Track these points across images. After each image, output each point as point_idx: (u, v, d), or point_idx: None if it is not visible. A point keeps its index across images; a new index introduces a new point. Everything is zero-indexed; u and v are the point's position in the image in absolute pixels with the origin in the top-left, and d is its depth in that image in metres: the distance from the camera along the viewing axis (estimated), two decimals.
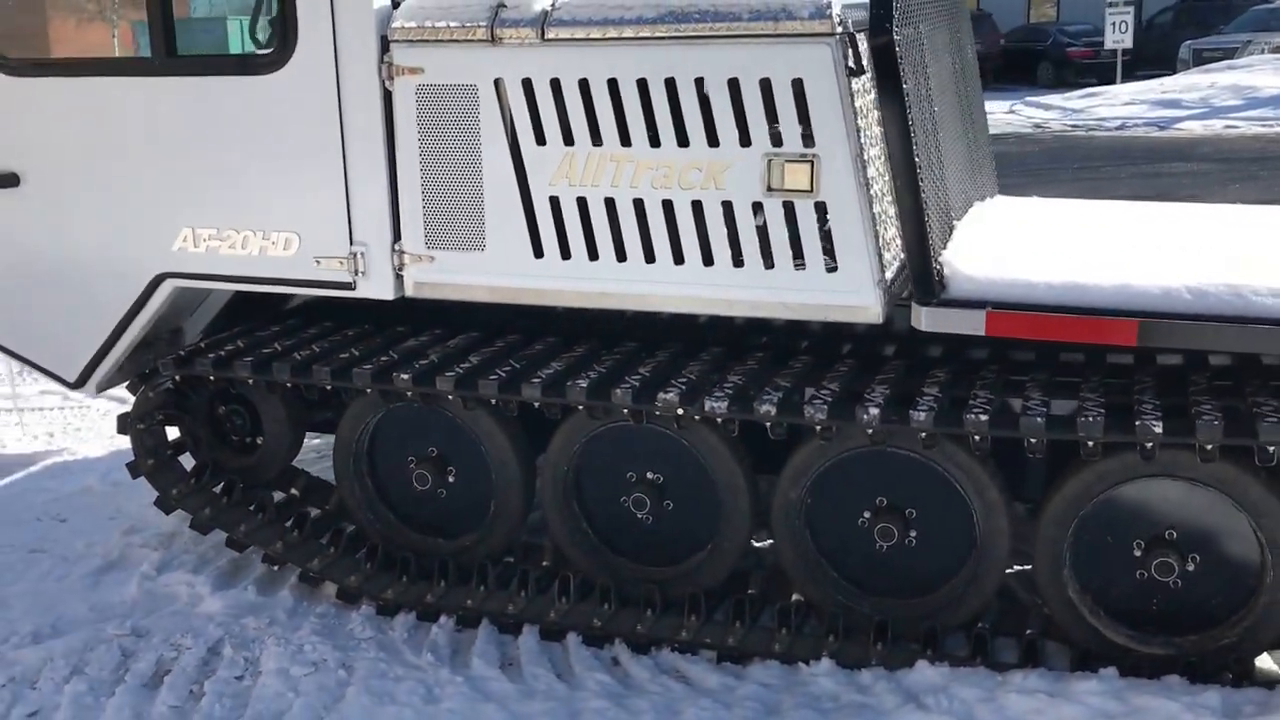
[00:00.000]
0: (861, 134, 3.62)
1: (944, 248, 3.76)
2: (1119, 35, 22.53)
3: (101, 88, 4.32)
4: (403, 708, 3.77)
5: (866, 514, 4.01)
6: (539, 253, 3.96)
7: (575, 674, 3.99)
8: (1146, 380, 3.81)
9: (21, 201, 4.50)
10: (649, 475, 4.22)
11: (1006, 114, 21.50)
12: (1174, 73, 23.37)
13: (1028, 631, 3.98)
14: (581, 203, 3.88)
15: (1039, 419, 3.54)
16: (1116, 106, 20.47)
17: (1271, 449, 3.41)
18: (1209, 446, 3.45)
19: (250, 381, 4.43)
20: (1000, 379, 3.94)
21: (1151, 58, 26.46)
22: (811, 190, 3.62)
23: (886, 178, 3.72)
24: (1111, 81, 23.30)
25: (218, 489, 4.70)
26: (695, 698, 3.80)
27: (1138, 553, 3.77)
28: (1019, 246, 3.94)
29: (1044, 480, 3.93)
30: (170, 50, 4.21)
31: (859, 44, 3.57)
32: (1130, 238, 4.22)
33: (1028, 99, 23.11)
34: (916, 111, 3.65)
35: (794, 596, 4.18)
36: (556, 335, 4.48)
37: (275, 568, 4.64)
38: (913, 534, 3.98)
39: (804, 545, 4.07)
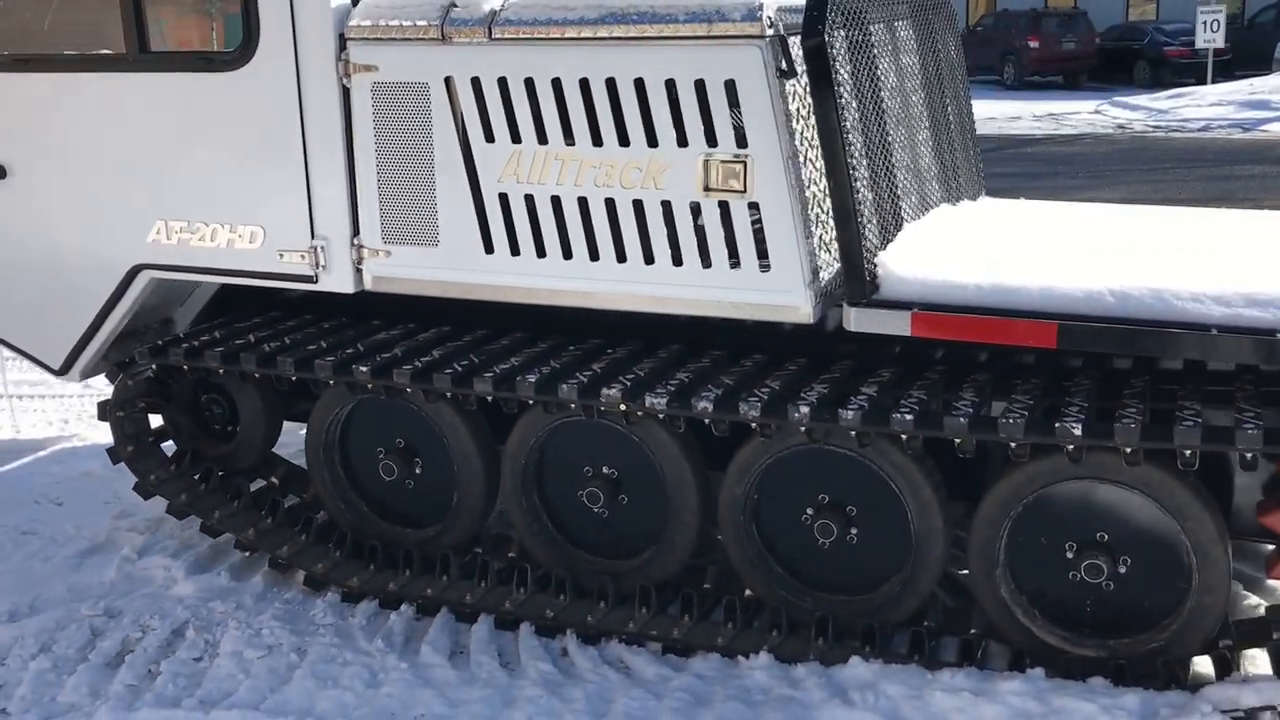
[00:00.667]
0: (798, 135, 3.66)
1: (882, 248, 3.79)
2: (1210, 35, 22.08)
3: (81, 83, 4.48)
4: (344, 691, 3.88)
5: (809, 511, 4.05)
6: (489, 249, 4.05)
7: (520, 663, 4.07)
8: (1084, 383, 3.82)
9: (9, 193, 4.67)
10: (604, 470, 4.29)
11: (1091, 114, 21.31)
12: (1271, 73, 22.88)
13: (972, 631, 4.01)
14: (529, 200, 3.96)
15: (962, 419, 3.57)
16: (1203, 107, 20.13)
17: (1189, 453, 3.41)
18: (1128, 450, 3.45)
19: (221, 371, 4.56)
20: (944, 380, 3.96)
21: (1251, 58, 25.61)
22: (745, 191, 3.67)
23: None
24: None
25: (196, 476, 4.83)
26: (630, 688, 3.87)
27: (1070, 554, 3.78)
28: (967, 248, 3.96)
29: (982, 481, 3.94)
30: (143, 46, 4.35)
31: (790, 46, 3.61)
32: (1093, 241, 4.21)
33: (1115, 99, 22.85)
34: (858, 112, 3.69)
35: (747, 592, 4.24)
36: (526, 329, 4.56)
37: (248, 554, 4.77)
38: (853, 531, 4.02)
39: (750, 541, 4.12)
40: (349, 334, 4.65)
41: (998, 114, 21.78)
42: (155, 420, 5.01)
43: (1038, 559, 3.83)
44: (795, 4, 3.73)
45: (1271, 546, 3.80)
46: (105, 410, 4.79)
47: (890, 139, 4.00)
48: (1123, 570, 3.74)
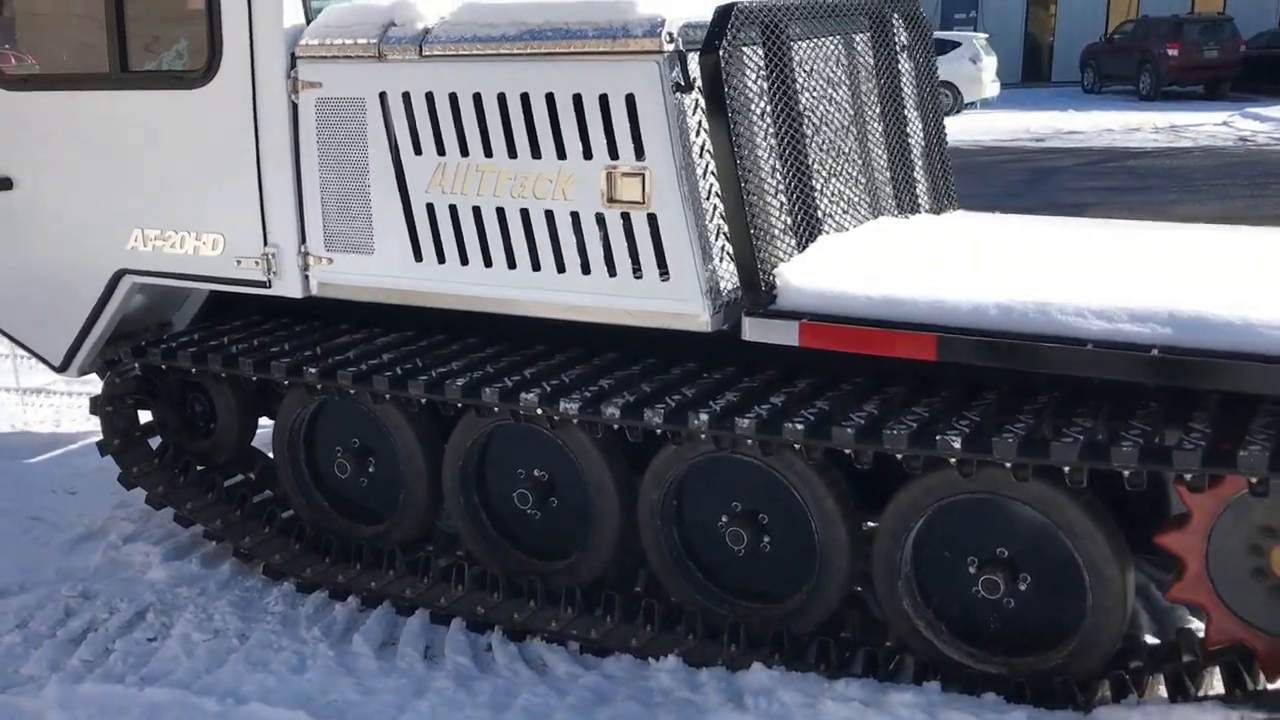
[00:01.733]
0: (698, 148, 3.75)
1: (788, 259, 3.85)
2: None
3: (72, 100, 4.79)
4: (269, 675, 4.08)
5: (724, 518, 4.11)
6: (419, 256, 4.22)
7: (442, 656, 4.22)
8: (988, 398, 3.80)
9: (15, 202, 5.01)
10: (535, 473, 4.41)
11: (1217, 126, 20.70)
12: None
13: (887, 644, 4.02)
14: (453, 210, 4.12)
15: (849, 430, 3.60)
16: None
17: (1068, 469, 3.39)
18: (1007, 464, 3.45)
19: (194, 370, 4.82)
20: (857, 391, 3.98)
21: None
22: (644, 202, 3.77)
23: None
24: None
25: (175, 470, 5.09)
26: (537, 684, 3.98)
27: (971, 570, 3.77)
28: (881, 261, 3.95)
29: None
30: (124, 65, 4.63)
31: (689, 62, 3.70)
32: (1029, 256, 4.16)
33: (1247, 110, 22.11)
34: (762, 126, 3.76)
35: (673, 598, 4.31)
36: (483, 335, 4.68)
37: (217, 544, 5.01)
38: (765, 540, 4.07)
39: (667, 546, 4.19)
40: (313, 338, 4.84)
41: (1116, 125, 21.27)
42: (146, 416, 5.29)
43: (941, 573, 3.83)
44: (706, 20, 3.81)
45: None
46: (95, 405, 5.08)
47: (808, 152, 4.04)
48: (1022, 587, 3.72)
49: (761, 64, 3.83)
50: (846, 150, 4.38)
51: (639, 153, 3.76)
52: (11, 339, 5.29)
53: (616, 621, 4.22)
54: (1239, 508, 3.42)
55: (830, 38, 4.34)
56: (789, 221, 3.93)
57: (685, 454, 4.04)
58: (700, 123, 3.77)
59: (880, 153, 4.65)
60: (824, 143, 4.21)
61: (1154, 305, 3.38)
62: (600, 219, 3.88)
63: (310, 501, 4.90)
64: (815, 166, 4.11)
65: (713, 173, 3.80)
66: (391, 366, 4.42)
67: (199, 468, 5.15)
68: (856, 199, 4.44)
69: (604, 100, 3.77)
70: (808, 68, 4.13)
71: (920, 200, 4.91)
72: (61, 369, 5.16)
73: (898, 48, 4.81)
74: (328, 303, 4.64)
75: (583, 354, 4.45)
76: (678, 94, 3.69)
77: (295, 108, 4.30)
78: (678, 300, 3.80)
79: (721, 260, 3.84)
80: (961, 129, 20.93)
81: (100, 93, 4.73)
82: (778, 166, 3.86)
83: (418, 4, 4.09)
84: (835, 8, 4.34)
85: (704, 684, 3.91)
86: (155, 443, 5.26)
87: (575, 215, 3.91)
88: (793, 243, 3.95)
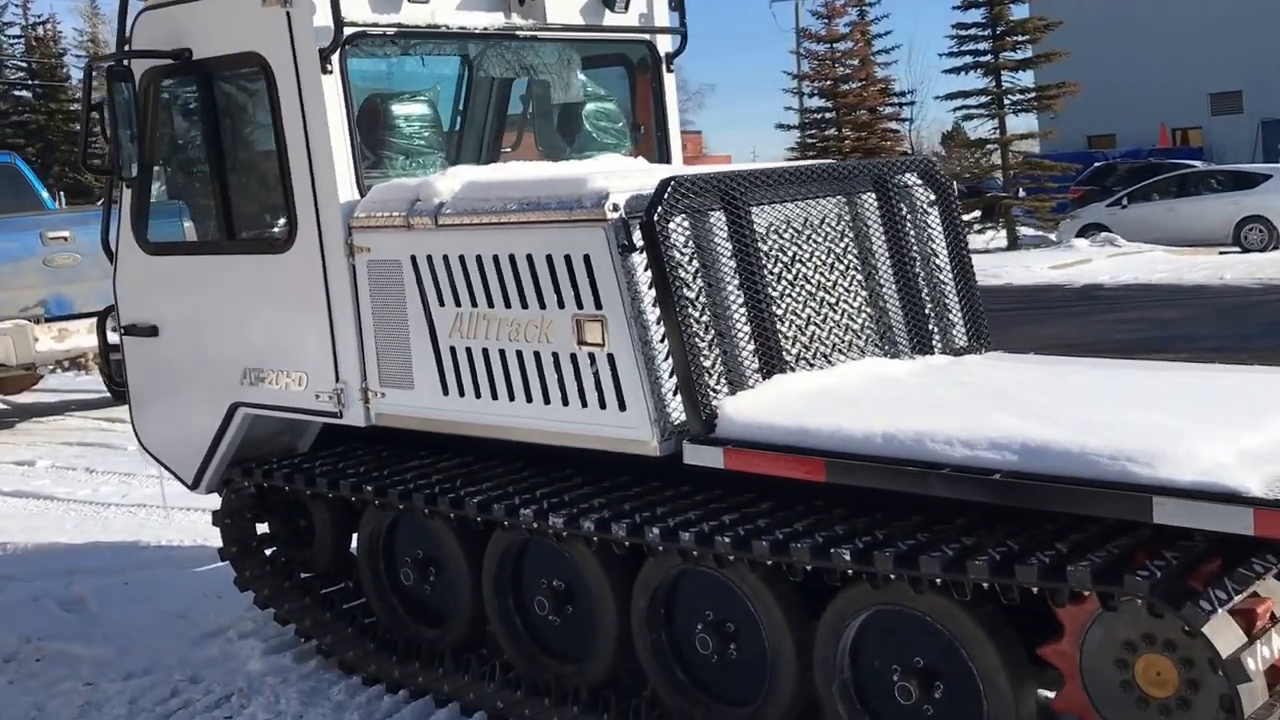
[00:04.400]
0: (649, 298, 4.34)
1: (732, 393, 4.35)
2: None
3: (198, 263, 5.83)
4: None
5: (699, 626, 4.57)
6: (446, 391, 4.94)
7: None
8: (912, 520, 4.13)
9: (160, 347, 6.06)
10: (554, 583, 4.99)
11: None
12: None
13: None
14: (469, 351, 4.84)
15: (764, 543, 4.04)
16: None
17: (938, 580, 3.72)
18: (890, 576, 3.81)
19: (287, 489, 5.67)
20: (807, 511, 4.37)
21: None
22: (604, 344, 4.38)
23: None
24: None
25: (280, 576, 5.93)
26: None
27: (895, 678, 4.09)
28: (818, 395, 4.38)
29: None
30: (232, 234, 5.63)
31: (633, 228, 4.32)
32: (965, 393, 4.44)
33: None
34: (706, 279, 4.33)
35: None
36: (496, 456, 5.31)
37: (304, 641, 5.80)
38: (732, 647, 4.50)
39: (655, 651, 4.67)
40: (390, 463, 5.61)
41: None
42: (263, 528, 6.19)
43: (871, 680, 4.17)
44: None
45: None
46: (216, 518, 6.01)
47: (767, 301, 4.54)
48: (937, 695, 4.02)
49: (709, 226, 4.40)
50: (832, 298, 4.85)
51: (597, 303, 4.39)
52: (158, 460, 6.31)
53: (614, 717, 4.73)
54: (1104, 622, 3.65)
55: (813, 200, 4.85)
56: (741, 361, 4.44)
57: (664, 566, 4.54)
58: (652, 276, 4.37)
59: (886, 299, 5.08)
60: (797, 292, 4.71)
61: (1017, 434, 3.71)
62: (574, 358, 4.50)
63: (386, 605, 5.63)
64: (779, 314, 4.60)
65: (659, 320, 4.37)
66: (433, 485, 5.12)
67: (303, 574, 5.97)
68: (844, 341, 4.87)
69: (568, 260, 4.44)
70: (773, 227, 4.66)
71: (934, 342, 5.24)
72: (193, 486, 6.12)
73: (909, 204, 5.24)
74: (412, 432, 5.39)
75: (574, 473, 4.99)
76: (625, 254, 4.31)
77: (353, 269, 5.14)
78: (631, 428, 4.37)
79: (674, 394, 4.38)
80: (1274, 262, 20.66)
81: (215, 257, 5.74)
82: (727, 314, 4.40)
83: (437, 182, 4.89)
84: (820, 172, 4.88)
85: None
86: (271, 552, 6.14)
87: (555, 355, 4.55)
88: (748, 378, 4.45)
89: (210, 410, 5.87)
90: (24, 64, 49.50)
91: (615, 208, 4.33)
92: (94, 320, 6.94)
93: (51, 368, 12.76)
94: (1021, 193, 29.34)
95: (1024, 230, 28.96)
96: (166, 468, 6.27)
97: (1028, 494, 3.59)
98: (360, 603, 5.92)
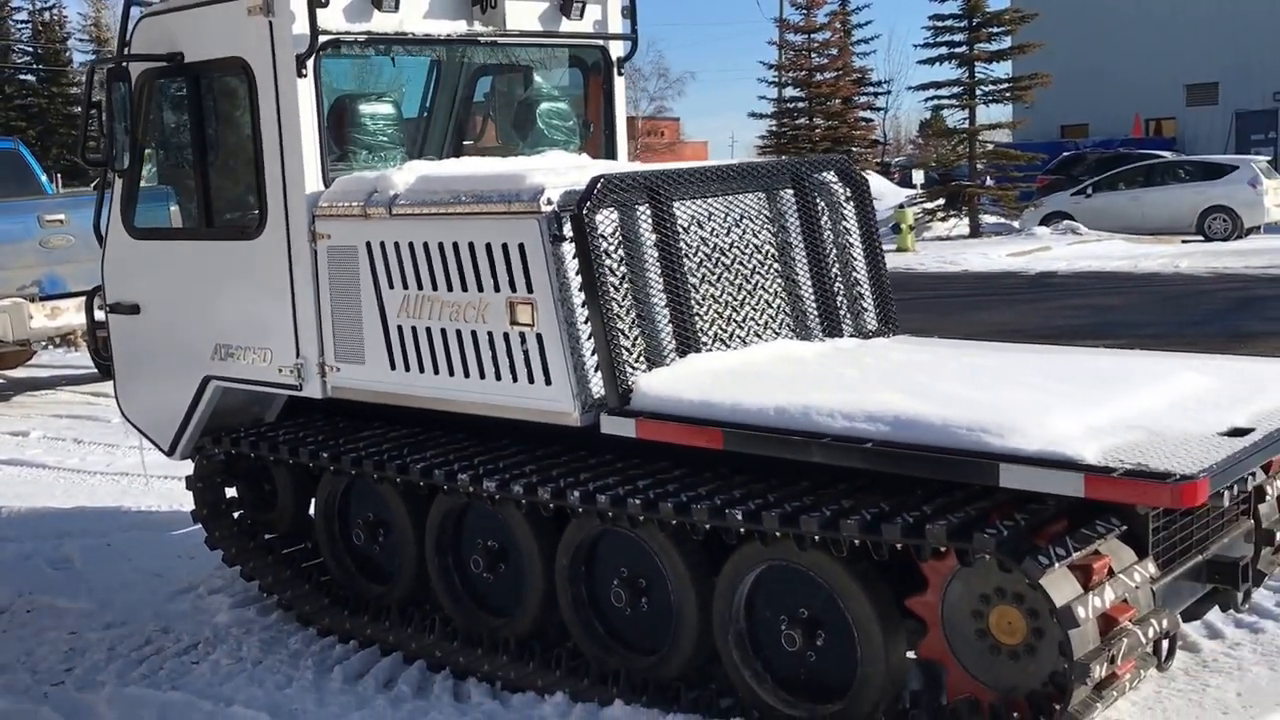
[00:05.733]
0: (576, 283, 4.81)
1: (648, 369, 4.82)
2: None
3: (180, 246, 6.30)
4: (259, 689, 5.27)
5: (615, 582, 5.04)
6: (394, 366, 5.41)
7: (395, 687, 5.28)
8: (802, 484, 4.60)
9: (140, 324, 6.52)
10: (489, 543, 5.46)
11: None
12: None
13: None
14: (414, 330, 5.31)
15: (638, 501, 4.52)
16: None
17: (817, 538, 4.20)
18: (776, 534, 4.29)
19: (253, 456, 6.14)
20: (683, 475, 4.81)
21: None
22: (533, 324, 4.86)
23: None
24: None
25: (245, 536, 6.41)
26: (449, 708, 5.02)
27: (783, 627, 4.57)
28: (725, 373, 4.85)
29: None
30: (210, 221, 6.11)
31: (564, 220, 4.79)
32: (858, 371, 4.91)
33: None
34: (629, 266, 4.80)
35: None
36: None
37: (267, 596, 6.28)
38: (643, 601, 4.97)
39: (576, 604, 5.14)
40: (345, 433, 6.07)
41: None
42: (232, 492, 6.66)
43: (763, 630, 4.64)
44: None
45: None
46: (189, 482, 6.48)
47: (684, 288, 5.02)
48: (819, 643, 4.49)
49: (635, 219, 4.87)
50: (750, 286, 5.33)
51: (529, 287, 4.86)
52: (138, 429, 6.78)
53: (536, 665, 5.19)
54: (963, 577, 4.13)
55: (733, 196, 5.32)
56: (660, 341, 4.91)
57: (584, 526, 5.01)
58: (579, 263, 4.84)
59: (801, 286, 5.56)
60: (717, 280, 5.18)
61: (893, 408, 4.19)
62: (506, 337, 4.98)
63: (341, 564, 6.10)
64: (697, 299, 5.08)
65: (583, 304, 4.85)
66: (383, 453, 5.59)
67: (267, 535, 6.44)
68: (760, 324, 5.35)
69: (505, 248, 4.91)
70: (696, 220, 5.13)
71: (844, 325, 5.73)
72: (170, 453, 6.59)
73: (827, 200, 5.72)
74: (368, 404, 5.86)
75: (510, 443, 5.45)
76: (556, 244, 4.78)
77: (315, 254, 5.61)
78: (555, 401, 4.84)
79: (596, 371, 4.85)
80: (1233, 251, 21.14)
81: (194, 242, 6.22)
82: (648, 299, 4.87)
83: (393, 175, 5.36)
84: (742, 170, 5.36)
85: (567, 712, 4.85)
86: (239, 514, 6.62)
87: (490, 334, 5.03)
88: (666, 357, 4.92)
89: (185, 383, 6.33)
90: (30, 49, 50.02)
91: (549, 201, 4.80)
92: (84, 299, 7.39)
93: (44, 344, 13.20)
94: (989, 181, 29.64)
95: (988, 218, 29.27)
96: (146, 436, 6.73)
97: (897, 461, 4.08)
98: (318, 561, 6.38)
